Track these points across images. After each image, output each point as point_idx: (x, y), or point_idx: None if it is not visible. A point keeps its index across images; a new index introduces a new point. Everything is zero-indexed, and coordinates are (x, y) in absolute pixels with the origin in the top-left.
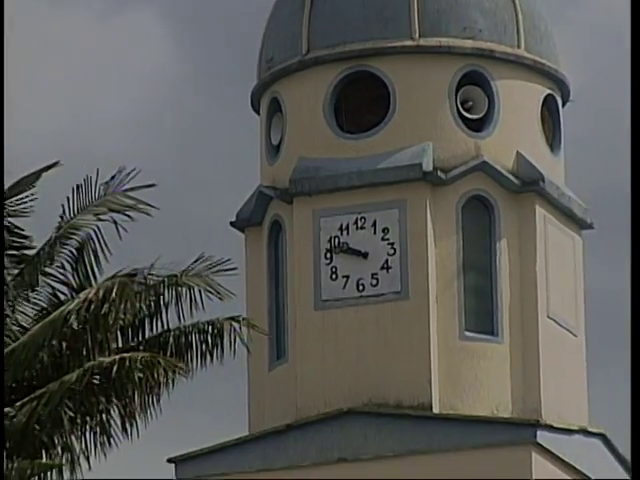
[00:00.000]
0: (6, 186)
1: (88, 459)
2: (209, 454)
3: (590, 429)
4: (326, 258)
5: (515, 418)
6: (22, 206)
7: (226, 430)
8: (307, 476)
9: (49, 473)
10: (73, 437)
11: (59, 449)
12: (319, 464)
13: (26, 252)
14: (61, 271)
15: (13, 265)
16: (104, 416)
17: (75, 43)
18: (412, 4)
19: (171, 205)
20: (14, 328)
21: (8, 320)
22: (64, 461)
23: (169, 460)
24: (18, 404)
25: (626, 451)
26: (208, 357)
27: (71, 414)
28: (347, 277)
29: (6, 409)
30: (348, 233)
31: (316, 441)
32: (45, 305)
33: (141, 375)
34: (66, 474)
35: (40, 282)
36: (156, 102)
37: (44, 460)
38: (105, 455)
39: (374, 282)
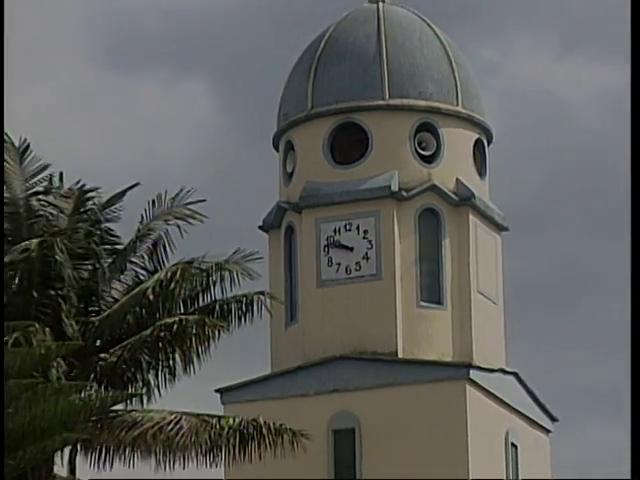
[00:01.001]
0: (103, 200)
1: (159, 390)
2: (243, 386)
3: (506, 369)
4: (324, 251)
5: (455, 361)
6: (114, 214)
7: (255, 370)
8: (311, 402)
9: (133, 400)
10: (149, 375)
11: (140, 383)
12: (319, 393)
13: (117, 246)
14: (141, 260)
15: (108, 255)
16: (170, 360)
17: (148, 102)
18: (383, 75)
19: (216, 214)
20: (109, 299)
21: (105, 294)
22: (143, 391)
23: (216, 390)
24: (111, 351)
25: (532, 385)
26: (243, 319)
27: (148, 358)
28: (339, 264)
29: (102, 354)
30: (340, 234)
31: (317, 377)
32: (130, 283)
33: (195, 331)
34: (145, 400)
35: (127, 267)
36: (205, 142)
37: (129, 390)
38: (171, 387)
39: (357, 268)
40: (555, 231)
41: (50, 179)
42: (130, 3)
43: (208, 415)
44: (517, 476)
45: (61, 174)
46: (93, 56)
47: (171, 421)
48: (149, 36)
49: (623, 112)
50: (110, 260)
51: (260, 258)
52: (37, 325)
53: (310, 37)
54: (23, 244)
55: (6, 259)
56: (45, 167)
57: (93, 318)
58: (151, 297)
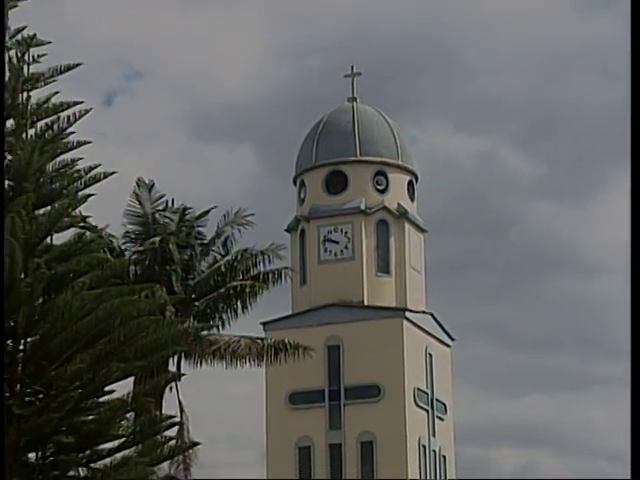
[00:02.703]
0: (196, 214)
1: (229, 323)
2: (276, 321)
3: (426, 310)
4: (322, 244)
5: (397, 307)
6: (202, 223)
7: (282, 311)
8: (315, 330)
9: (212, 329)
10: (223, 314)
11: (217, 319)
12: (319, 325)
13: (204, 241)
14: (218, 248)
15: (199, 246)
16: (234, 306)
17: (218, 159)
18: (356, 144)
19: (260, 223)
20: (199, 271)
21: (197, 268)
22: (219, 324)
23: (261, 322)
24: (201, 301)
25: (440, 319)
26: (276, 282)
27: (222, 305)
28: (330, 251)
29: (196, 303)
30: (331, 234)
31: (318, 316)
32: (211, 262)
33: (248, 290)
34: (220, 329)
35: (209, 253)
36: (253, 182)
37: (210, 323)
38: (235, 321)
39: (341, 253)
40: (454, 232)
41: (166, 203)
42: (205, 101)
43: (256, 337)
44: (432, 370)
45: (172, 200)
46: (186, 131)
47: (235, 341)
48: (217, 119)
49: (490, 166)
50: (200, 249)
51: (285, 248)
52: (158, 286)
53: (314, 121)
54: (151, 240)
55: (141, 248)
56: (162, 196)
57: (190, 282)
58: (223, 270)
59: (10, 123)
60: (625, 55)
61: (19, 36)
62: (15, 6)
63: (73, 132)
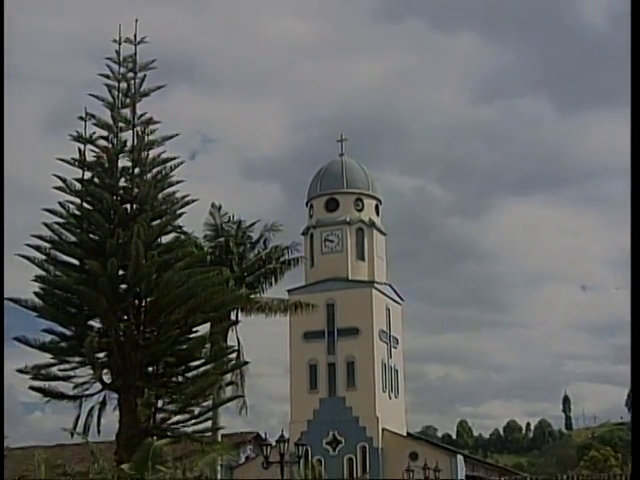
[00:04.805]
0: (247, 224)
1: (266, 290)
2: (296, 289)
3: (386, 282)
4: (323, 242)
5: (369, 280)
6: (250, 230)
7: (299, 283)
8: (319, 295)
9: (257, 294)
10: (264, 285)
11: (260, 288)
12: (321, 291)
13: (252, 241)
14: (261, 246)
15: (248, 244)
16: (271, 279)
17: (259, 196)
18: (343, 181)
19: (287, 230)
20: (249, 260)
21: (247, 257)
22: (260, 291)
23: (287, 290)
24: (250, 277)
25: (397, 288)
26: (296, 266)
27: (262, 279)
28: (329, 246)
29: (246, 278)
30: (329, 236)
31: (321, 286)
32: (256, 253)
33: (279, 270)
34: (261, 294)
35: (255, 248)
36: (280, 208)
37: (255, 291)
38: (270, 290)
39: (335, 248)
40: (402, 235)
41: (229, 217)
42: (250, 156)
43: (284, 299)
44: (390, 319)
45: (233, 215)
46: (239, 174)
47: (270, 301)
48: (257, 167)
49: (422, 195)
50: (249, 245)
51: (301, 245)
52: (224, 268)
53: (317, 168)
54: (219, 239)
55: (213, 244)
56: (226, 213)
57: (244, 265)
58: (264, 258)
59: (137, 170)
60: (499, 132)
61: (142, 118)
62: (140, 100)
63: (172, 175)
